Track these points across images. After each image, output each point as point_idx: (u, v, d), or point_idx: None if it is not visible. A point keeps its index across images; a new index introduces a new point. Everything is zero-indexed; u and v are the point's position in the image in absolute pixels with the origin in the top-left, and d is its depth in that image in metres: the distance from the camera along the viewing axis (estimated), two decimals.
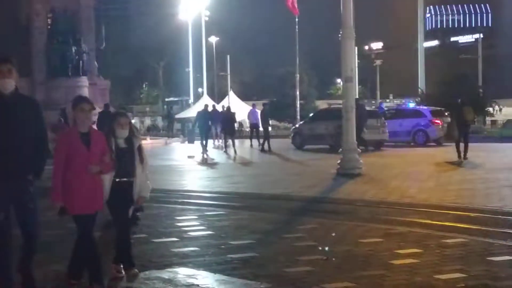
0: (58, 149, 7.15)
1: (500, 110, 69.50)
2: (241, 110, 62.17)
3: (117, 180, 7.68)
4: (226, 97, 65.99)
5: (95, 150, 7.19)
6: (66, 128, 8.27)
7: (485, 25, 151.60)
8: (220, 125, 36.93)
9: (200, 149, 32.06)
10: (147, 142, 39.24)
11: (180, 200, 15.61)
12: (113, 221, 8.12)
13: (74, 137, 7.15)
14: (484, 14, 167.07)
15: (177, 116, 67.82)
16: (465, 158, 24.32)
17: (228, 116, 36.14)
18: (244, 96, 77.92)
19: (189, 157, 30.51)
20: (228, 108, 39.13)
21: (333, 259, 8.77)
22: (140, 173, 7.95)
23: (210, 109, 37.62)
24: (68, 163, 7.08)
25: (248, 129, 53.79)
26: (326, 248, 9.36)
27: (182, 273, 8.23)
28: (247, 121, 59.11)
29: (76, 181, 7.10)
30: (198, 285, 7.67)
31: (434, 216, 12.60)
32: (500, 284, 7.46)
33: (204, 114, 35.71)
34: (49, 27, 45.88)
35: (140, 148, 8.03)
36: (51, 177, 7.08)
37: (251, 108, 40.77)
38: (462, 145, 24.74)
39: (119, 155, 7.72)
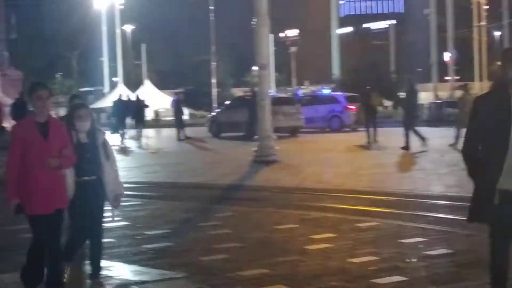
0: (12, 141, 6.50)
1: None
2: (158, 99, 61.77)
3: (77, 179, 6.94)
4: (142, 86, 65.42)
5: (54, 142, 6.47)
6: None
7: (397, 12, 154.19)
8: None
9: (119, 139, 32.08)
10: None
11: None
12: (69, 224, 7.29)
13: (30, 127, 6.47)
14: (397, 1, 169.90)
15: (92, 106, 66.93)
16: (375, 140, 25.23)
17: (138, 105, 36.03)
18: (160, 85, 77.34)
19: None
20: (138, 97, 38.91)
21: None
22: (109, 170, 7.17)
23: (124, 98, 37.36)
24: (24, 156, 6.41)
25: (167, 118, 53.59)
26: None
27: None
28: (168, 110, 58.75)
29: (33, 176, 6.42)
30: (113, 277, 7.60)
31: (348, 200, 12.82)
32: (411, 265, 7.65)
33: (120, 104, 35.53)
34: None
35: (105, 142, 7.24)
36: (5, 172, 6.47)
37: (175, 97, 40.54)
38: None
39: (80, 151, 6.91)
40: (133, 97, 39.84)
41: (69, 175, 6.80)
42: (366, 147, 24.50)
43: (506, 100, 5.18)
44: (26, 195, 6.42)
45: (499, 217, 5.19)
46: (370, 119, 26.28)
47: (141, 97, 39.06)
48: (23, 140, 6.42)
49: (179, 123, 34.76)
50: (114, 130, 35.20)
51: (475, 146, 5.36)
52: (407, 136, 22.31)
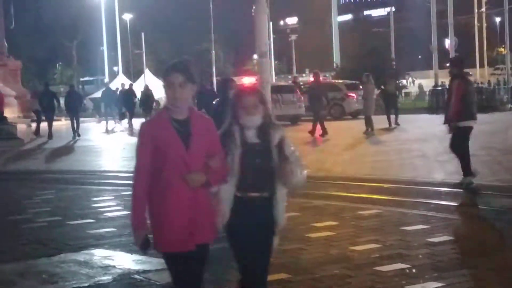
0: (140, 145, 4.58)
1: (413, 82, 70.85)
2: (158, 88, 61.73)
3: (240, 195, 4.82)
4: (142, 76, 65.36)
5: (199, 148, 4.51)
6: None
7: None
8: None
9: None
10: (62, 123, 38.56)
11: (96, 181, 15.43)
12: (236, 261, 5.07)
13: (165, 127, 4.49)
14: None
15: (93, 95, 66.90)
16: (397, 124, 26.65)
17: (146, 94, 37.43)
18: (160, 73, 77.34)
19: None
20: (146, 86, 40.18)
21: None
22: (283, 185, 4.98)
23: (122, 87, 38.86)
24: (155, 168, 4.50)
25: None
26: None
27: (98, 254, 8.14)
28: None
29: (166, 198, 4.48)
30: (114, 266, 7.59)
31: (350, 188, 12.78)
32: (413, 252, 7.62)
33: (129, 94, 37.63)
34: None
35: (282, 143, 4.98)
36: (132, 189, 4.59)
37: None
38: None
39: (247, 156, 4.83)
40: (127, 86, 40.95)
41: (227, 191, 4.78)
42: (388, 129, 25.85)
43: None
44: (159, 224, 4.53)
45: None
46: (389, 104, 27.86)
47: (149, 87, 40.67)
48: (154, 144, 4.49)
49: None
50: (122, 118, 36.54)
51: None
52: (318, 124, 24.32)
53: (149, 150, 4.49)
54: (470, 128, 12.10)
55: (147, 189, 4.50)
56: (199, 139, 4.51)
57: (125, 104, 36.99)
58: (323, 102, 25.72)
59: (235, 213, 4.79)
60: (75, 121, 29.67)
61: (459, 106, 11.82)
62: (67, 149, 24.65)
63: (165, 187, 4.46)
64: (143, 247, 4.56)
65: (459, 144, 12.06)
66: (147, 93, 38.01)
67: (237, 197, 4.80)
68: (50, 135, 28.58)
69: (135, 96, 39.02)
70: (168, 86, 4.52)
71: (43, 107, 29.79)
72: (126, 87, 39.19)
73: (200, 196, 4.53)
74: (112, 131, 32.76)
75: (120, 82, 44.97)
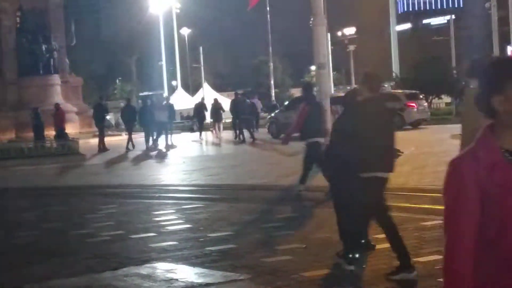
0: (458, 197, 2.70)
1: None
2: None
3: None
4: (201, 89, 65.85)
5: None
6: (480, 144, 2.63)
7: (456, 6, 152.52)
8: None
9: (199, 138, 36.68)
10: (123, 138, 39.09)
11: (157, 195, 15.55)
12: None
13: (500, 166, 2.67)
14: None
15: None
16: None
17: (215, 107, 38.98)
18: (218, 87, 77.87)
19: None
20: (216, 100, 40.93)
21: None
22: None
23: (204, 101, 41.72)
24: (483, 233, 2.70)
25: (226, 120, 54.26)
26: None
27: (161, 268, 8.18)
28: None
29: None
30: (177, 279, 7.61)
31: (412, 199, 12.63)
32: None
33: (201, 107, 39.87)
34: (18, 25, 45.52)
35: None
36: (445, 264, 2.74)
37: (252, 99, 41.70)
38: None
39: None
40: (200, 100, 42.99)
41: None
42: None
43: None
44: None
45: None
46: None
47: (205, 100, 42.79)
48: (481, 195, 2.68)
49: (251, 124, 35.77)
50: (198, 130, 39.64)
51: None
52: None
53: (474, 203, 2.69)
54: (314, 143, 13.45)
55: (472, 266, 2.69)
56: None
57: (197, 118, 39.33)
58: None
59: None
60: (149, 135, 30.90)
61: (299, 125, 13.78)
62: (128, 163, 24.93)
63: (507, 264, 2.68)
64: None
65: (305, 157, 13.68)
66: (217, 106, 38.81)
67: None
68: (132, 145, 30.87)
69: (206, 110, 39.96)
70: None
71: (125, 120, 32.58)
72: (171, 101, 40.56)
73: None
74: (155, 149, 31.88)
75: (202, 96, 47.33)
